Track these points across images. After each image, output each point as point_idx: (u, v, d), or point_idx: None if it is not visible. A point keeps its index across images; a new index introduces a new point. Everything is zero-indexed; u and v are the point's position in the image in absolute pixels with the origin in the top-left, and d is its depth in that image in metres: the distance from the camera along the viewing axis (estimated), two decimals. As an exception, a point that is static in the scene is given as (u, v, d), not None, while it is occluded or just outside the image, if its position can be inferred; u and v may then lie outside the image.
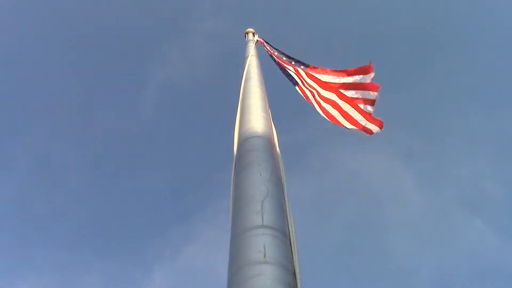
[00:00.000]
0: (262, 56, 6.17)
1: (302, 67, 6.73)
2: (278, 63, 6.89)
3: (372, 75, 6.39)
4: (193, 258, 18.47)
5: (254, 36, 6.60)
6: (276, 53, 6.97)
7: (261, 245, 1.91)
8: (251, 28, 6.75)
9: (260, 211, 2.16)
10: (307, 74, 6.55)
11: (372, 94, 6.35)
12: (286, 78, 6.88)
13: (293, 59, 6.94)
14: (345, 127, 6.36)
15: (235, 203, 2.40)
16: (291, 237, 2.13)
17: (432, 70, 21.84)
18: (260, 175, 2.52)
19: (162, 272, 18.85)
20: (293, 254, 2.00)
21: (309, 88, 6.52)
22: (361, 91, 6.42)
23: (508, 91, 19.54)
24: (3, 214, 19.52)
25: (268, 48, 6.93)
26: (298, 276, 1.86)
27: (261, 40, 6.75)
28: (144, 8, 22.19)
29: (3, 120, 20.32)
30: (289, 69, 6.73)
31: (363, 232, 18.08)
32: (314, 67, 6.75)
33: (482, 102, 21.00)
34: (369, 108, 6.31)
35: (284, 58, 6.92)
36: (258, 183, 2.44)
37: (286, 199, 2.46)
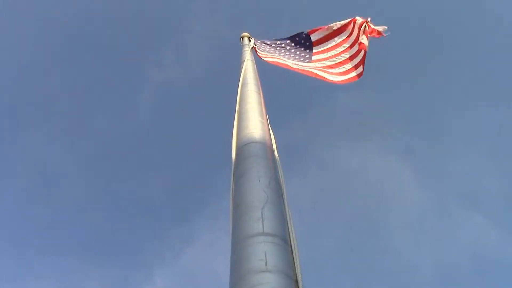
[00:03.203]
0: (258, 60, 6.19)
1: (306, 61, 6.96)
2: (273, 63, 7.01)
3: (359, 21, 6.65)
4: (194, 260, 18.44)
5: (249, 40, 6.60)
6: (271, 53, 7.04)
7: (262, 253, 1.90)
8: (246, 32, 6.75)
9: (260, 218, 2.15)
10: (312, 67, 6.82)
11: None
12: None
13: (294, 48, 7.12)
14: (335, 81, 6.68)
15: (235, 210, 2.39)
16: (292, 244, 2.11)
17: (430, 67, 21.89)
18: (259, 181, 2.51)
19: (162, 274, 18.82)
20: (295, 261, 1.99)
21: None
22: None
23: (506, 86, 19.59)
24: (1, 218, 19.44)
25: (261, 54, 6.94)
26: (300, 283, 1.85)
27: (256, 47, 6.75)
28: (139, 9, 22.24)
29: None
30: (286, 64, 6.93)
31: (363, 230, 18.08)
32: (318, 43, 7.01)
33: (480, 98, 21.05)
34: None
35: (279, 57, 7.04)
36: (258, 190, 2.43)
37: (286, 205, 2.45)
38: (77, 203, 20.59)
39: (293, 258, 2.00)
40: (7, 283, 17.50)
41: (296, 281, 1.85)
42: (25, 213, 19.78)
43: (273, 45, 7.20)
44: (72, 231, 19.63)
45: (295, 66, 6.97)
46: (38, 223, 19.68)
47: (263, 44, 7.17)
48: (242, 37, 6.69)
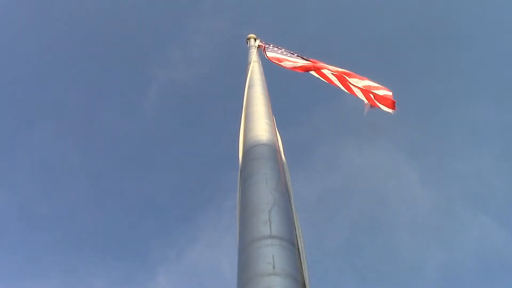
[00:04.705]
0: (265, 61, 6.18)
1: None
2: (282, 64, 6.91)
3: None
4: (198, 259, 18.46)
5: (255, 41, 6.60)
6: (280, 56, 6.97)
7: (270, 256, 1.91)
8: (253, 34, 6.75)
9: (267, 221, 2.16)
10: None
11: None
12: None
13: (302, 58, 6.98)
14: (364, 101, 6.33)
15: (242, 213, 2.39)
16: (299, 247, 2.12)
17: (436, 65, 21.80)
18: (266, 183, 2.51)
19: (166, 273, 18.86)
20: (302, 264, 2.00)
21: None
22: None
23: (512, 85, 19.47)
24: (7, 217, 19.59)
25: (269, 55, 6.90)
26: (308, 287, 1.86)
27: (262, 45, 6.73)
28: (145, 8, 22.34)
29: (4, 122, 20.46)
30: (296, 65, 6.78)
31: (368, 230, 18.05)
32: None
33: (486, 97, 20.93)
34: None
35: (289, 58, 6.95)
36: (265, 192, 2.43)
37: (293, 207, 2.46)
38: (82, 202, 20.73)
39: (301, 261, 2.01)
40: (13, 281, 17.64)
41: (304, 284, 1.86)
42: (30, 212, 19.92)
43: (279, 52, 7.14)
44: (77, 230, 19.75)
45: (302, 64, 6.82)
46: (43, 221, 19.84)
47: (270, 48, 7.13)
48: (249, 39, 6.68)
